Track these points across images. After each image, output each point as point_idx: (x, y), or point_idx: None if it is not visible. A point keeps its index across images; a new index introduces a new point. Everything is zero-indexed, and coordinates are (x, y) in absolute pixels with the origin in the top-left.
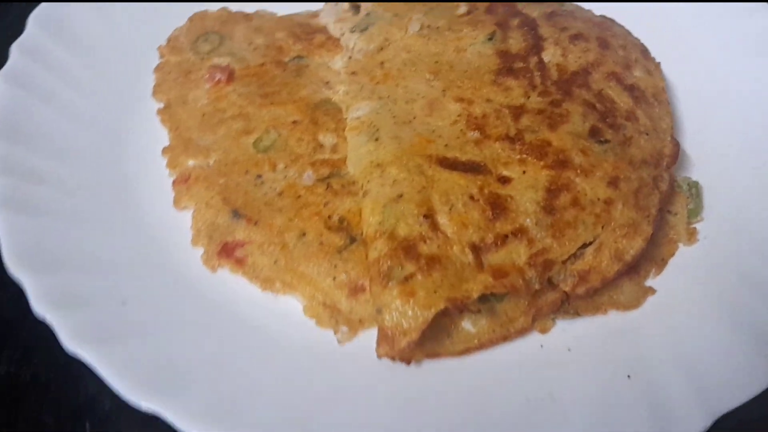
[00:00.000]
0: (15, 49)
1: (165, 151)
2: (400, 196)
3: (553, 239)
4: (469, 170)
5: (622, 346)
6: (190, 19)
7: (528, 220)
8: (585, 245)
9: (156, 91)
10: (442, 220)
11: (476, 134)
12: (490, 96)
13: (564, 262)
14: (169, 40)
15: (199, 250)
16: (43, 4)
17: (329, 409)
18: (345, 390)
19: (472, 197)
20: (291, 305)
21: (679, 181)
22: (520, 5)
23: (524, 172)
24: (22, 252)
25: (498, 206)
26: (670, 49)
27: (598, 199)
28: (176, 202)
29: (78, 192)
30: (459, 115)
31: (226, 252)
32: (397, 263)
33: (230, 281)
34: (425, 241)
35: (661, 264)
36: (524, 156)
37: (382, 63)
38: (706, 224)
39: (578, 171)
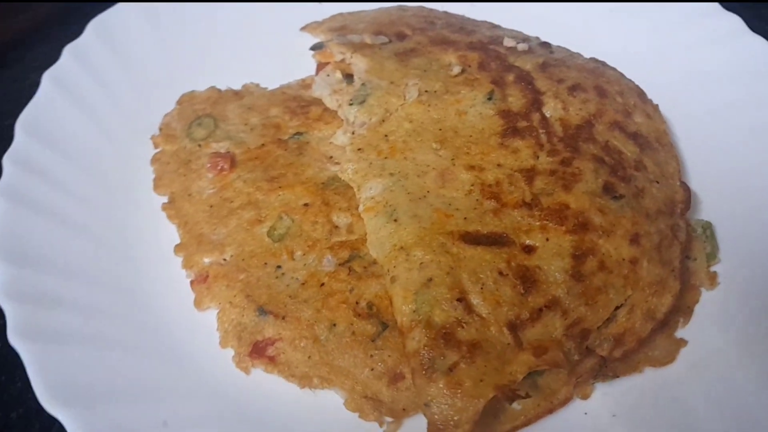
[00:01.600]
0: (7, 161)
1: (178, 249)
2: (430, 280)
3: (586, 307)
4: (492, 243)
5: (664, 404)
6: (179, 102)
7: (560, 290)
8: (617, 308)
9: (157, 185)
10: (476, 300)
11: (493, 203)
12: (500, 160)
13: (599, 328)
14: (161, 128)
15: (229, 352)
16: (27, 108)
17: None
18: None
19: (501, 273)
20: (331, 400)
21: (692, 224)
22: (511, 58)
23: (547, 239)
24: (56, 386)
25: (528, 279)
26: (661, 87)
27: (623, 259)
28: (198, 303)
29: (97, 312)
30: (472, 185)
31: (258, 352)
32: (438, 353)
33: (266, 381)
34: (462, 326)
35: (688, 312)
36: (545, 222)
37: (386, 136)
38: (723, 265)
39: (600, 232)
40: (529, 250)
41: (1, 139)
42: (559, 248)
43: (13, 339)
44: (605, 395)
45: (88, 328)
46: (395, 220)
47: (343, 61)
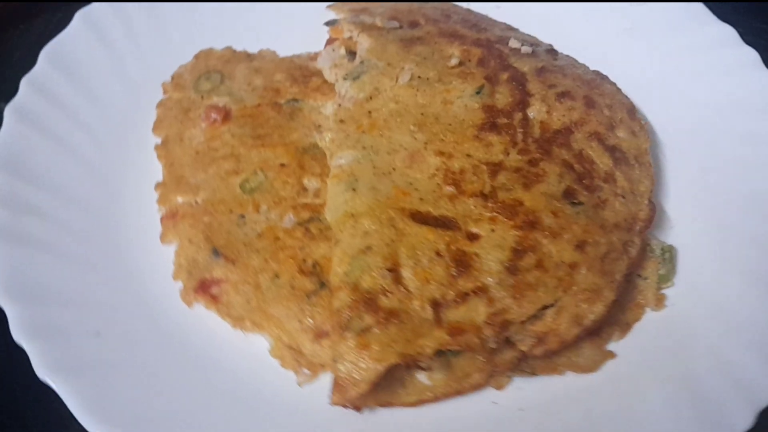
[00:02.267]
0: (24, 84)
1: (157, 186)
2: (369, 248)
3: (513, 300)
4: (439, 225)
5: (573, 409)
6: (196, 57)
7: (490, 279)
8: (545, 307)
9: (156, 127)
10: (407, 274)
11: (451, 189)
12: (471, 151)
13: (523, 323)
14: (173, 77)
15: (178, 285)
16: (54, 40)
17: None
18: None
19: (438, 253)
20: (260, 345)
21: (653, 244)
22: (512, 59)
23: (493, 230)
24: (5, 281)
25: (462, 263)
26: (664, 107)
27: (563, 262)
28: (163, 237)
29: (67, 226)
30: (437, 169)
31: (203, 288)
32: (357, 315)
33: (205, 317)
34: (386, 295)
35: (625, 328)
36: (495, 214)
37: (369, 112)
38: (677, 290)
39: (547, 233)
40: (472, 237)
41: None
42: (502, 240)
43: None
44: (519, 390)
45: (53, 237)
46: (354, 190)
47: (350, 38)
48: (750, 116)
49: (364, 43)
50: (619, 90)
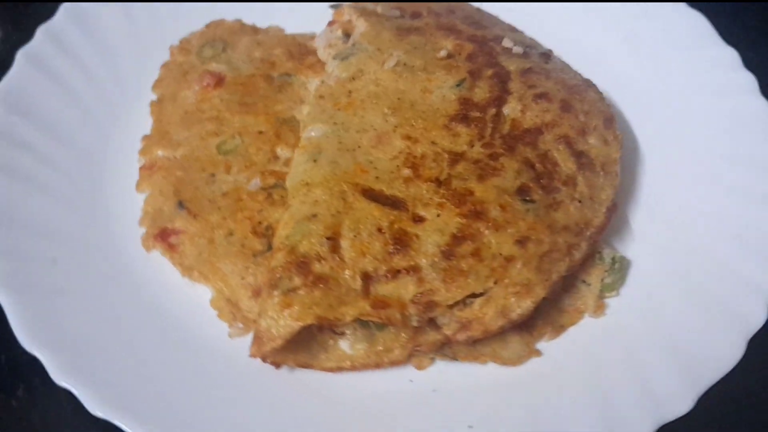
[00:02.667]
0: (40, 32)
1: (143, 139)
2: (315, 215)
3: (442, 283)
4: (388, 204)
5: (484, 399)
6: (207, 26)
7: (425, 260)
8: (475, 295)
9: (155, 85)
10: (345, 244)
11: (408, 172)
12: (437, 139)
13: (450, 307)
14: (181, 41)
15: (141, 230)
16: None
17: (199, 393)
18: (220, 379)
19: (380, 229)
20: (203, 295)
21: (604, 252)
22: (501, 57)
23: (438, 215)
24: None
25: (401, 242)
26: (648, 119)
27: (500, 254)
28: (138, 185)
29: (55, 161)
30: (400, 152)
31: (162, 236)
32: (287, 275)
33: (159, 263)
34: (320, 261)
35: (559, 330)
36: (444, 201)
37: (350, 92)
38: (620, 301)
39: (490, 224)
40: (418, 219)
41: None
42: (444, 225)
43: None
44: (439, 372)
45: (36, 169)
46: (315, 161)
47: (349, 22)
48: (738, 141)
49: (360, 27)
50: (602, 99)
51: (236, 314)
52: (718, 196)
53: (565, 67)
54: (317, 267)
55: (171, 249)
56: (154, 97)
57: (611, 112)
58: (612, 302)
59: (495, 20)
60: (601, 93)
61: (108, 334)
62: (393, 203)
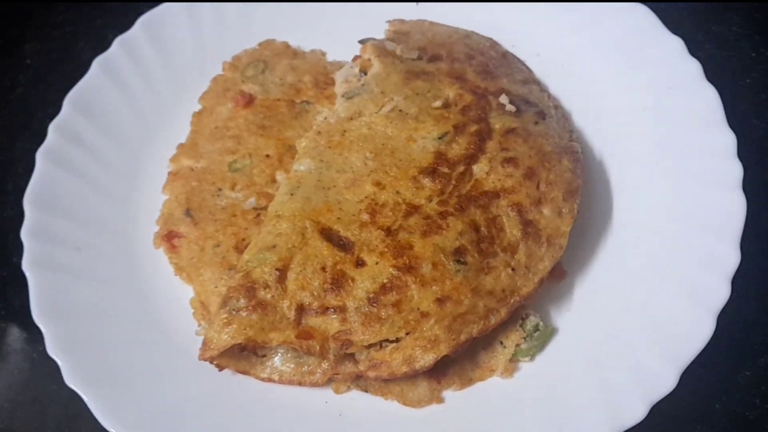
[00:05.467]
0: (116, 43)
1: (178, 147)
2: (274, 246)
3: (361, 326)
4: (338, 245)
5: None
6: (259, 44)
7: (352, 302)
8: (390, 341)
9: (202, 97)
10: (291, 276)
11: (367, 217)
12: (402, 189)
13: (367, 347)
14: (233, 58)
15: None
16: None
17: (155, 370)
18: (175, 364)
19: (323, 268)
20: (187, 293)
21: (529, 319)
22: (492, 113)
23: (377, 263)
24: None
25: (337, 282)
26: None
27: (418, 309)
28: (163, 188)
29: (106, 162)
30: (366, 197)
31: (168, 237)
32: (236, 297)
33: (162, 259)
34: (265, 288)
35: (467, 383)
36: (386, 250)
37: (344, 132)
38: (534, 366)
39: (418, 279)
40: (359, 263)
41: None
42: (378, 273)
43: None
44: (351, 399)
45: (79, 161)
46: (291, 194)
47: (368, 60)
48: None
49: (374, 67)
50: (574, 169)
51: (206, 316)
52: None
53: (556, 128)
54: (261, 293)
55: (172, 249)
56: (200, 107)
57: (578, 184)
58: (525, 366)
59: (512, 69)
60: (577, 161)
61: (103, 316)
62: (343, 245)
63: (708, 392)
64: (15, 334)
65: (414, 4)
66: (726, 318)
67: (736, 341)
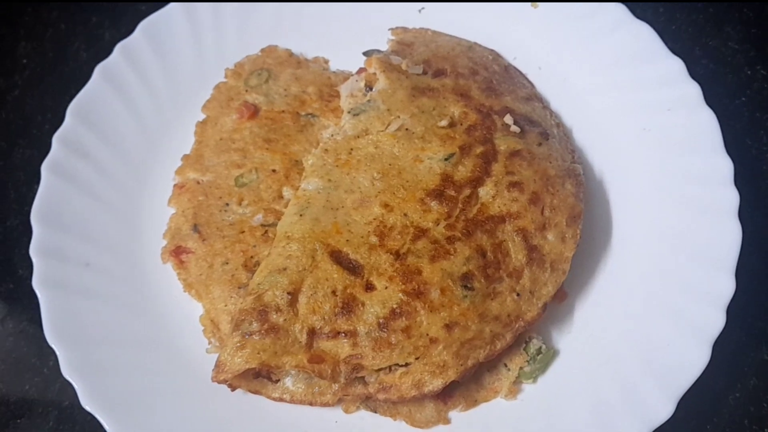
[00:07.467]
0: (117, 49)
1: (183, 158)
2: (285, 269)
3: (372, 350)
4: (348, 268)
5: None
6: (262, 50)
7: (362, 327)
8: (399, 365)
9: (205, 106)
10: (302, 300)
11: (375, 240)
12: (410, 212)
13: (377, 370)
14: (236, 65)
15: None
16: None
17: (167, 390)
18: (187, 383)
19: (334, 291)
20: (196, 310)
21: (532, 342)
22: (497, 134)
23: (386, 287)
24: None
25: (348, 307)
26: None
27: (427, 335)
28: (169, 201)
29: (110, 175)
30: (375, 218)
31: (176, 253)
32: (249, 320)
33: (170, 274)
34: (277, 312)
35: (471, 404)
36: (395, 274)
37: (351, 150)
38: (536, 389)
39: (426, 305)
40: (369, 287)
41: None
42: (387, 298)
43: None
44: (360, 419)
45: (83, 173)
46: (300, 215)
47: (374, 74)
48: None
49: (380, 83)
50: (576, 193)
51: (216, 333)
52: (667, 207)
53: (559, 149)
54: (274, 317)
55: (181, 265)
56: (203, 116)
57: (580, 209)
58: (529, 388)
59: (515, 84)
60: (580, 184)
61: (115, 336)
62: (353, 268)
63: (699, 414)
64: (22, 350)
65: (416, 10)
66: (717, 341)
67: (727, 364)
